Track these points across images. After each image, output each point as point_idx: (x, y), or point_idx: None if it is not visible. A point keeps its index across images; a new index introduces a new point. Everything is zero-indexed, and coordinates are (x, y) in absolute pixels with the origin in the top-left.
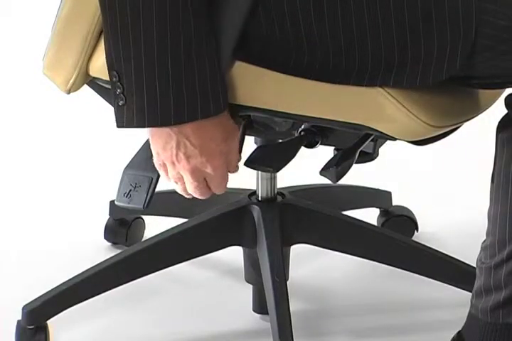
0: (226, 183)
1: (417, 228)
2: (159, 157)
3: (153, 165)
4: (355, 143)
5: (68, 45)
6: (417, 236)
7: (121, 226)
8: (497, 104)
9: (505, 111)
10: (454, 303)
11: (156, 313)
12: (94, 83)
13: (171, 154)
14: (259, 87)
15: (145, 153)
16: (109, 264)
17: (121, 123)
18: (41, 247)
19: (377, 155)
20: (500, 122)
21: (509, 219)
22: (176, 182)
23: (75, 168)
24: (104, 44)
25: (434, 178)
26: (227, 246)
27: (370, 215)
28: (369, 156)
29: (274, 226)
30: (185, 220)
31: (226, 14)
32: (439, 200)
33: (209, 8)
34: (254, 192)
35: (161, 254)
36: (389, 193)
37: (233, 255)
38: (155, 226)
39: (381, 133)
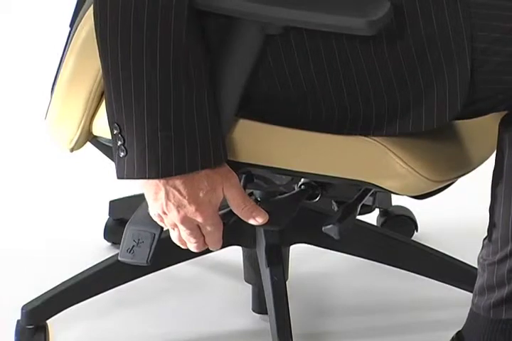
0: (220, 235)
1: (416, 228)
2: (152, 208)
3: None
4: (356, 199)
5: (70, 106)
6: (417, 236)
7: (121, 226)
8: None
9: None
10: (454, 303)
11: (156, 313)
12: (96, 141)
13: (161, 204)
14: (263, 144)
15: (147, 209)
16: (109, 264)
17: (121, 174)
18: (41, 247)
19: (376, 207)
20: (501, 121)
21: None
22: (173, 229)
23: (75, 168)
24: (105, 96)
25: None
26: (227, 246)
27: (370, 215)
28: (368, 208)
29: None
30: None
31: (228, 75)
32: (439, 200)
33: (211, 68)
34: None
35: (160, 254)
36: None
37: (233, 255)
38: None
39: (383, 189)
